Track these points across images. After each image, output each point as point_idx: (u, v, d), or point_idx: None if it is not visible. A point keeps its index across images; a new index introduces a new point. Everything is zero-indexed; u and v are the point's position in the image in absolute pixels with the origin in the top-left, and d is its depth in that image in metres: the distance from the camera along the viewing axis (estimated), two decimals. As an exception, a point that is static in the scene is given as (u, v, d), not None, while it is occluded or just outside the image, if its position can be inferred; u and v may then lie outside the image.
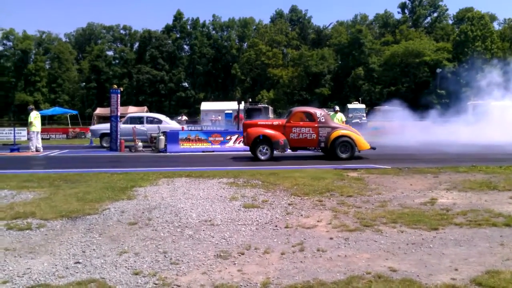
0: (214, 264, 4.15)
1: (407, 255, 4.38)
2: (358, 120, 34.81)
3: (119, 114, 18.26)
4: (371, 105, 46.49)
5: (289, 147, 13.51)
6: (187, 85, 69.24)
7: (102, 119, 32.79)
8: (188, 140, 17.03)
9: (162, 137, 17.03)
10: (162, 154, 16.15)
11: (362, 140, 13.63)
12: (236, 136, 17.45)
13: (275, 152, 13.39)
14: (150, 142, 17.67)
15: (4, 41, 65.92)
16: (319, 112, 13.97)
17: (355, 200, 6.89)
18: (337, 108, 16.48)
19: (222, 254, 4.43)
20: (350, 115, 38.33)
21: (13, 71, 65.07)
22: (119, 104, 18.64)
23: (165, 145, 16.81)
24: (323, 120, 13.61)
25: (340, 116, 16.08)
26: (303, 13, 71.05)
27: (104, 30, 75.63)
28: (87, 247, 4.73)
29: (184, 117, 32.12)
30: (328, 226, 5.44)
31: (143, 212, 6.23)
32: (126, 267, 4.11)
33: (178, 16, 70.38)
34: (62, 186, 8.31)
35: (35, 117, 17.22)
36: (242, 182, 8.56)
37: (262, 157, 13.29)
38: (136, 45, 72.77)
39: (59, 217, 5.97)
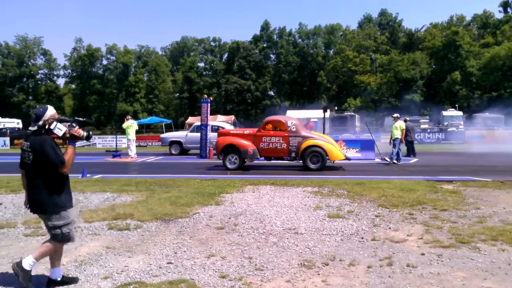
0: (298, 273, 4.15)
1: (508, 276, 3.98)
2: (454, 129, 32.49)
3: (209, 122, 19.11)
4: (469, 112, 43.06)
5: (259, 156, 13.40)
6: (272, 94, 70.31)
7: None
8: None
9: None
10: (250, 163, 16.51)
11: (335, 151, 13.09)
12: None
13: (246, 161, 13.46)
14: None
15: (108, 56, 72.68)
16: (290, 121, 13.59)
17: (450, 215, 6.43)
18: (396, 115, 15.25)
19: (306, 263, 4.42)
20: (446, 123, 35.91)
21: (115, 83, 71.39)
22: (209, 113, 19.52)
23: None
24: (294, 129, 13.23)
25: (399, 124, 14.82)
26: (393, 16, 68.39)
27: (196, 43, 79.88)
28: (179, 249, 5.01)
29: (270, 125, 32.56)
30: (419, 241, 5.15)
31: (229, 218, 6.44)
32: (213, 269, 4.28)
33: (265, 26, 71.99)
34: (157, 190, 8.90)
35: (130, 125, 18.55)
36: (327, 192, 8.45)
37: (230, 166, 13.31)
38: (225, 56, 75.70)
39: (154, 219, 6.41)
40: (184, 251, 4.91)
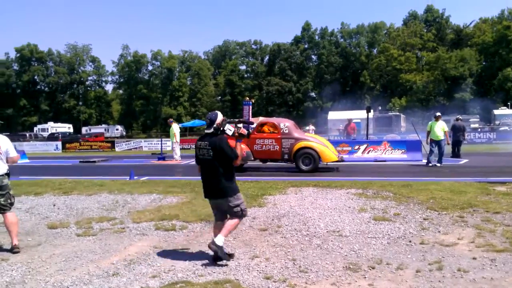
0: (343, 276, 4.09)
1: None
2: (506, 128, 30.91)
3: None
4: (524, 111, 40.72)
5: (253, 158, 13.40)
6: (314, 95, 69.72)
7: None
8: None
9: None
10: (290, 165, 16.47)
11: (327, 152, 12.88)
12: (365, 146, 16.93)
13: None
14: None
15: (153, 61, 74.89)
16: (283, 123, 13.49)
17: (503, 218, 6.11)
18: (438, 114, 14.24)
19: (351, 266, 4.34)
20: (497, 122, 34.27)
21: (160, 88, 73.53)
22: (250, 115, 19.62)
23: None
24: (286, 131, 13.15)
25: (442, 125, 13.78)
26: (440, 12, 65.92)
27: (238, 46, 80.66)
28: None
29: (312, 127, 32.33)
30: (471, 245, 4.93)
31: (272, 219, 6.44)
32: (258, 271, 4.30)
33: (306, 27, 71.61)
34: (201, 192, 9.03)
35: (176, 128, 19.04)
36: (372, 194, 8.27)
37: None
38: (266, 58, 75.96)
39: (199, 220, 6.53)
40: (229, 252, 4.96)
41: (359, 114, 33.01)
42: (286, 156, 13.13)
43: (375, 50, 68.10)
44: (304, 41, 71.94)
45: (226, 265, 4.50)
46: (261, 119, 14.67)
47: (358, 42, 69.59)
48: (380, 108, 45.28)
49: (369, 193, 8.35)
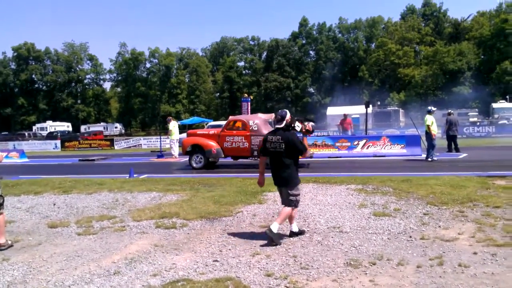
0: (344, 272, 4.09)
1: None
2: (505, 121, 30.93)
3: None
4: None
5: (223, 156, 13.71)
6: (312, 91, 69.65)
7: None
8: (314, 145, 17.08)
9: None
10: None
11: None
12: (364, 141, 16.93)
13: (210, 160, 13.75)
14: None
15: (151, 59, 74.75)
16: (252, 120, 13.65)
17: (503, 212, 6.11)
18: (430, 109, 14.13)
19: (352, 262, 4.35)
20: (496, 115, 34.27)
21: (158, 85, 73.40)
22: (249, 112, 19.65)
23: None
24: (256, 128, 13.32)
25: (426, 118, 13.73)
26: (437, 6, 65.75)
27: (236, 43, 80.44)
28: (224, 247, 5.08)
29: (311, 123, 32.27)
30: (471, 240, 4.94)
31: (273, 216, 6.44)
32: (259, 268, 4.30)
33: (303, 23, 71.41)
34: (201, 189, 9.05)
35: (174, 126, 19.05)
36: (372, 189, 8.27)
37: (195, 165, 13.82)
38: (264, 54, 75.81)
39: (199, 217, 6.52)
40: (229, 249, 4.97)
41: (358, 109, 33.00)
42: (255, 153, 13.28)
43: (373, 45, 67.92)
44: (301, 37, 71.72)
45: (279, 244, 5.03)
46: (230, 117, 14.98)
47: (356, 37, 69.44)
48: (379, 103, 45.30)
49: (369, 188, 8.35)
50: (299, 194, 5.37)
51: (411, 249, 4.73)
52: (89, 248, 5.25)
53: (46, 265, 4.68)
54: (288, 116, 5.24)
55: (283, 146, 5.15)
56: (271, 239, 5.02)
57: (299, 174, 5.44)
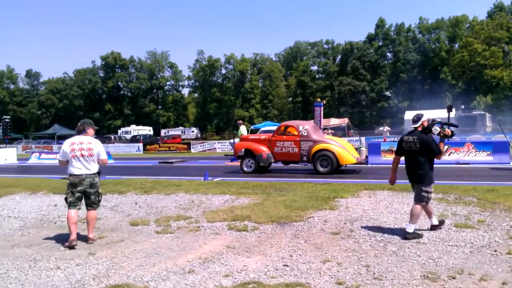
0: (421, 285, 3.89)
1: None
2: None
3: (322, 126, 19.00)
4: None
5: (273, 160, 13.84)
6: (389, 94, 67.01)
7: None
8: (390, 151, 16.42)
9: (364, 149, 16.96)
10: (363, 166, 16.03)
11: (346, 154, 13.00)
12: (446, 147, 15.90)
13: (261, 164, 13.91)
14: None
15: (227, 65, 76.94)
16: (301, 125, 13.74)
17: None
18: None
19: (429, 275, 4.11)
20: None
21: (233, 90, 75.28)
22: (322, 116, 19.44)
23: (366, 157, 16.65)
24: (305, 134, 13.39)
25: None
26: (531, 2, 60.17)
27: (309, 47, 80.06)
28: (294, 252, 5.06)
29: (386, 128, 31.16)
30: None
31: (345, 223, 6.31)
32: (329, 275, 4.23)
33: (380, 24, 69.04)
34: (272, 193, 9.12)
35: (244, 129, 19.46)
36: (453, 198, 7.76)
37: (246, 169, 14.04)
38: (339, 57, 74.57)
39: (270, 221, 6.57)
40: (300, 255, 4.95)
41: (439, 114, 30.98)
42: (304, 158, 13.39)
43: (456, 45, 63.75)
44: (378, 39, 69.30)
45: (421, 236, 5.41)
46: (283, 123, 15.13)
47: (438, 37, 65.43)
48: (463, 106, 42.46)
49: (451, 198, 7.85)
50: (431, 192, 5.64)
51: (496, 264, 4.37)
52: (167, 247, 5.51)
53: (127, 260, 4.99)
54: (424, 118, 5.65)
55: (418, 145, 5.53)
56: (406, 236, 5.39)
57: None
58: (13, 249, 5.62)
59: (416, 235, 5.41)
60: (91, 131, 6.09)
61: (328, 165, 12.99)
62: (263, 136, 14.71)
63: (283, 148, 13.66)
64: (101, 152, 5.95)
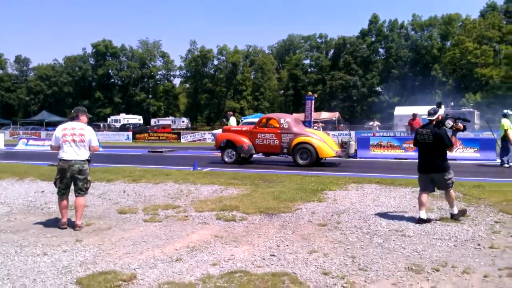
0: (405, 277, 3.96)
1: None
2: None
3: (312, 119, 19.08)
4: None
5: (254, 152, 14.02)
6: (380, 90, 67.34)
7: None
8: (379, 146, 16.59)
9: (353, 143, 17.06)
10: (352, 159, 16.16)
11: (325, 148, 13.17)
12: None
13: (242, 155, 14.11)
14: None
15: (219, 56, 76.51)
16: (282, 118, 13.95)
17: None
18: (506, 112, 12.90)
19: (414, 267, 4.19)
20: None
21: (224, 82, 75.03)
22: (313, 110, 19.50)
23: (355, 151, 16.77)
24: (286, 126, 13.55)
25: (508, 123, 12.58)
26: (523, 1, 60.61)
27: (302, 40, 79.97)
28: (281, 242, 5.11)
29: (376, 123, 31.38)
30: (549, 253, 4.55)
31: (332, 215, 6.37)
32: (315, 265, 4.28)
33: (373, 20, 69.12)
34: (261, 185, 9.16)
35: (233, 121, 19.49)
36: (439, 193, 7.83)
37: (227, 160, 14.20)
38: (331, 52, 74.62)
39: (258, 212, 6.61)
40: (287, 245, 5.00)
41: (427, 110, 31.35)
42: (285, 150, 13.57)
43: (448, 43, 64.17)
44: (371, 34, 69.43)
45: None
46: (264, 115, 15.26)
47: (430, 35, 65.78)
48: (452, 104, 42.74)
49: (437, 192, 7.93)
50: (453, 176, 6.02)
51: (479, 257, 4.46)
52: (154, 235, 5.52)
53: (114, 248, 5.00)
54: (440, 112, 6.02)
55: (431, 138, 5.90)
56: (420, 220, 5.80)
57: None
58: (-1, 234, 5.59)
59: (423, 222, 5.78)
60: (84, 118, 6.13)
61: (307, 158, 13.16)
62: (245, 128, 14.80)
63: (264, 140, 13.82)
64: (92, 139, 5.95)
